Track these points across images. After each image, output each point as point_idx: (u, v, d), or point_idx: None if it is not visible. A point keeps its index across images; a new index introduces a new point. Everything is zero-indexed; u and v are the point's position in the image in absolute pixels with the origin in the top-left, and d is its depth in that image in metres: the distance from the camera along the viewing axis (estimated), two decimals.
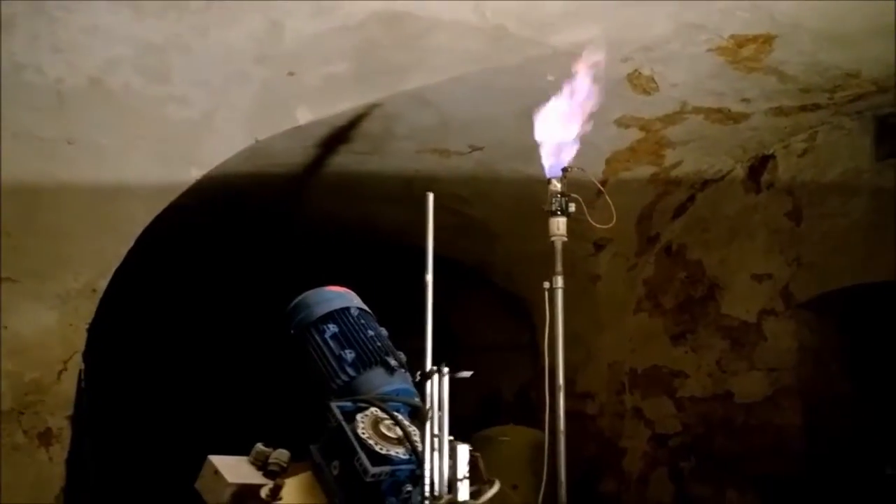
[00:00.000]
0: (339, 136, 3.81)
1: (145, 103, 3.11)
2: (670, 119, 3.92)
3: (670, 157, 4.32)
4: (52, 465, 3.16)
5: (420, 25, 3.01)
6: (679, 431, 4.83)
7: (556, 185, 2.27)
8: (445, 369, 1.56)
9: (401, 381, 1.65)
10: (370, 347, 1.64)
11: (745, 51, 3.25)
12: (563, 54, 3.23)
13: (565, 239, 2.27)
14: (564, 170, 2.29)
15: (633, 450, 4.99)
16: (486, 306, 6.09)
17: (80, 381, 3.29)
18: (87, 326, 3.33)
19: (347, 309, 1.71)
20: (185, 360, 6.41)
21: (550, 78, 2.90)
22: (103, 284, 3.36)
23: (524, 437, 3.82)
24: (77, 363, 3.27)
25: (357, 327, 1.67)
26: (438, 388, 1.54)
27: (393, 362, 1.64)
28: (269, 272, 5.70)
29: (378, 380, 1.57)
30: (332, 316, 1.65)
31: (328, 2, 2.86)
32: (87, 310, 3.33)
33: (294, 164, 4.14)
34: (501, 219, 4.98)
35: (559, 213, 2.26)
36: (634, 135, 4.03)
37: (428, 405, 1.55)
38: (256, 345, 6.57)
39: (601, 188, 2.30)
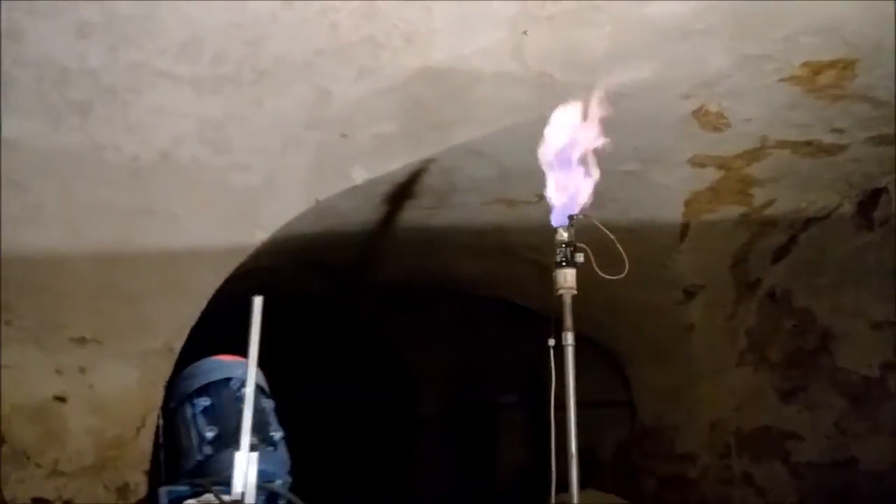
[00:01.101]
0: (402, 192, 3.84)
1: (211, 173, 3.27)
2: (752, 155, 3.65)
3: (760, 195, 4.01)
4: None
5: (462, 80, 3.00)
6: (796, 502, 4.35)
7: (563, 235, 2.12)
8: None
9: (262, 462, 1.50)
10: (231, 425, 1.52)
11: (823, 78, 2.99)
12: (616, 96, 3.12)
13: (574, 292, 2.11)
14: (571, 217, 2.14)
15: None
16: (580, 360, 5.84)
17: (157, 436, 3.41)
18: (164, 384, 3.47)
19: (228, 381, 1.62)
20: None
21: None
22: (179, 344, 3.51)
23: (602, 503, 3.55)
24: (154, 420, 3.40)
25: (229, 402, 1.58)
26: None
27: (253, 442, 1.49)
28: (346, 330, 5.78)
29: (231, 461, 1.44)
30: (208, 389, 1.58)
31: (370, 65, 2.92)
32: (165, 368, 3.48)
33: (365, 222, 4.21)
34: (582, 267, 4.79)
35: (564, 264, 2.10)
36: (713, 174, 3.78)
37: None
38: (334, 404, 6.68)
39: (611, 236, 2.12)
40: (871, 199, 4.12)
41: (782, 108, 3.22)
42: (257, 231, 3.50)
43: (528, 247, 4.47)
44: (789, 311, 4.51)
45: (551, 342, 2.03)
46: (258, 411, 1.58)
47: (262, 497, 1.50)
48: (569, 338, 2.04)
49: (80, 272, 3.24)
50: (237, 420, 1.51)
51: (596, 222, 2.13)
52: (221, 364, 1.61)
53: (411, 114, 3.18)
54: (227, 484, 1.46)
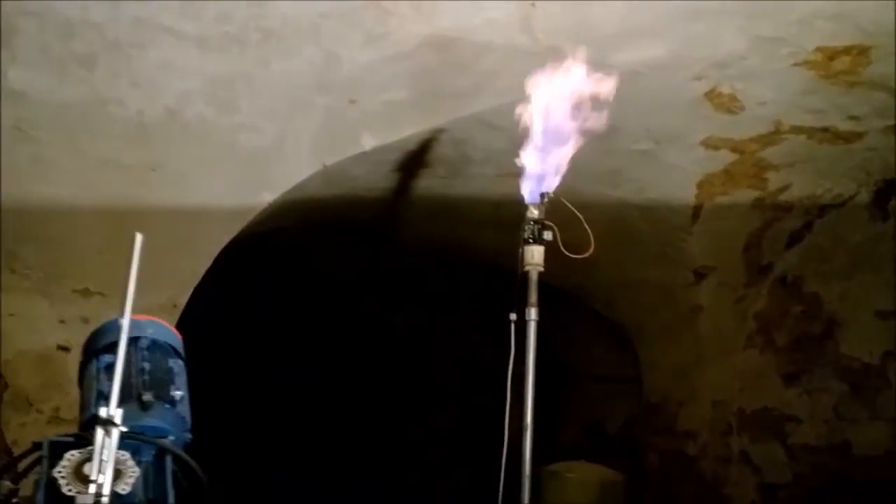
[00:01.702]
0: (414, 160, 3.83)
1: (218, 132, 3.28)
2: (766, 140, 3.58)
3: (775, 180, 3.94)
4: None
5: (472, 50, 2.97)
6: (789, 482, 4.36)
7: (534, 212, 2.11)
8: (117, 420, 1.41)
9: (156, 419, 1.55)
10: (131, 381, 1.56)
11: (837, 64, 2.91)
12: (627, 75, 3.07)
13: (541, 269, 2.10)
14: (542, 196, 2.13)
15: (738, 498, 4.56)
16: (591, 335, 5.85)
17: None
18: None
19: (136, 339, 1.65)
20: (268, 380, 6.67)
21: None
22: (183, 300, 3.58)
23: (594, 475, 3.60)
24: None
25: (133, 360, 1.60)
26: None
27: (147, 398, 1.53)
28: (366, 293, 5.83)
29: (127, 414, 1.45)
30: (115, 346, 1.61)
31: (377, 30, 2.89)
32: (169, 323, 3.54)
33: (378, 188, 4.22)
34: (596, 244, 4.76)
35: (532, 240, 2.09)
36: (727, 157, 3.72)
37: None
38: (342, 365, 6.77)
39: (579, 215, 2.10)
40: (887, 189, 4.03)
41: (797, 93, 3.15)
42: (265, 192, 3.52)
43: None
44: (799, 296, 4.46)
45: (513, 317, 2.03)
46: (161, 369, 1.61)
47: (151, 451, 1.53)
48: (532, 313, 2.04)
49: (87, 225, 3.30)
50: (136, 377, 1.56)
51: (564, 201, 2.12)
52: (132, 322, 1.61)
53: (420, 82, 3.16)
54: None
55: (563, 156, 2.20)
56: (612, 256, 4.93)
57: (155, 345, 1.69)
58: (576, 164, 3.91)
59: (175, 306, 3.57)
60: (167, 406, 1.59)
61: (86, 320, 3.39)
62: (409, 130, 3.40)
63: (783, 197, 4.09)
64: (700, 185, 3.93)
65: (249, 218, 3.59)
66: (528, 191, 2.16)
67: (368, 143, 3.43)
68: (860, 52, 2.80)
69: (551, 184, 2.17)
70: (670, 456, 4.92)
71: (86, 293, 3.41)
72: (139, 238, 1.39)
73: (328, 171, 3.63)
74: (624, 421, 5.64)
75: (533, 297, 2.05)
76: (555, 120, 2.19)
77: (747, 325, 4.70)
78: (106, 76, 3.00)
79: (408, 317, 6.61)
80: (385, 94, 3.22)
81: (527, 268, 2.09)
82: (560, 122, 2.19)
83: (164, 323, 1.79)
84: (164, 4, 2.75)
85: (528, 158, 2.21)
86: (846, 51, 2.80)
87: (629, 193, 4.15)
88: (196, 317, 3.73)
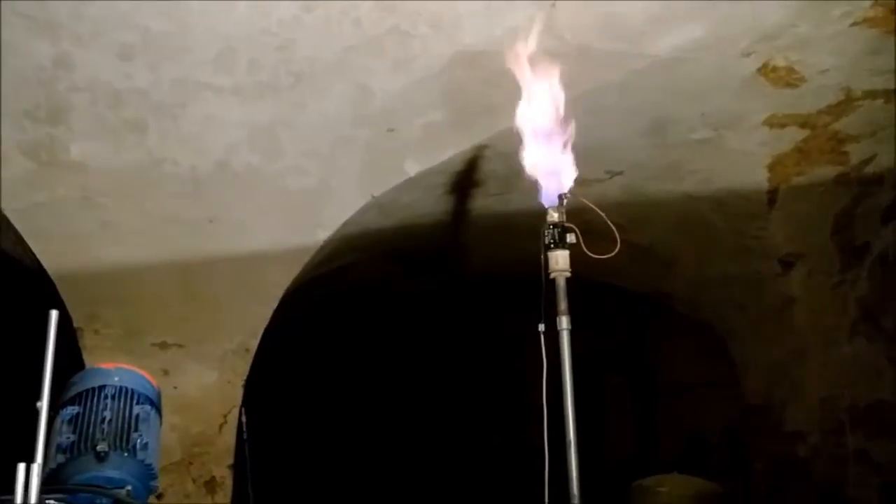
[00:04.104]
0: (463, 180, 3.79)
1: (266, 178, 3.37)
2: (838, 110, 3.31)
3: (857, 152, 3.63)
4: None
5: (499, 61, 2.88)
6: None
7: (553, 216, 1.99)
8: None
9: (113, 469, 1.48)
10: (89, 432, 1.52)
11: None
12: (667, 61, 2.92)
13: (568, 274, 1.96)
14: (561, 197, 2.00)
15: (860, 501, 4.17)
16: (679, 340, 5.57)
17: (240, 433, 3.58)
18: (242, 383, 3.63)
19: (102, 388, 1.60)
20: (338, 405, 6.69)
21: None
22: (254, 344, 3.66)
23: (688, 488, 3.38)
24: (235, 417, 3.57)
25: (95, 409, 1.56)
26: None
27: (102, 448, 1.47)
28: (431, 320, 5.78)
29: (82, 466, 1.43)
30: (81, 396, 1.55)
31: (402, 55, 2.88)
32: (242, 368, 3.64)
33: (434, 214, 4.19)
34: (669, 243, 4.55)
35: (553, 245, 1.96)
36: (796, 134, 3.46)
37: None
38: (413, 395, 6.71)
39: (600, 213, 1.96)
40: None
41: (862, 55, 2.89)
42: (318, 230, 3.57)
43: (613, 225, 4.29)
44: None
45: (541, 327, 1.91)
46: (124, 417, 1.57)
47: (108, 503, 1.47)
48: (564, 322, 1.90)
49: (157, 281, 3.44)
50: (96, 426, 1.52)
51: (584, 200, 1.99)
52: (98, 372, 1.61)
53: (454, 101, 3.12)
54: (69, 492, 1.45)
55: (569, 155, 2.08)
56: (688, 254, 4.69)
57: (121, 392, 1.64)
58: (634, 161, 3.82)
59: (247, 350, 3.66)
60: (126, 455, 1.54)
61: (166, 372, 3.53)
62: (451, 151, 3.36)
63: (869, 169, 3.76)
64: (771, 168, 3.67)
65: (308, 257, 3.64)
66: (545, 193, 2.05)
67: (413, 168, 3.42)
68: None
69: (568, 184, 2.04)
70: (779, 460, 4.58)
71: (163, 346, 3.55)
72: (54, 314, 1.37)
73: (380, 202, 3.64)
74: (725, 427, 5.31)
75: (563, 304, 1.93)
76: (551, 118, 2.08)
77: (849, 313, 4.33)
78: (156, 138, 3.13)
79: (491, 331, 6.53)
80: (421, 118, 3.20)
81: (553, 275, 1.97)
82: (556, 119, 2.07)
83: (135, 369, 1.74)
84: (198, 61, 2.85)
85: (538, 160, 2.10)
86: None
87: (695, 186, 3.94)
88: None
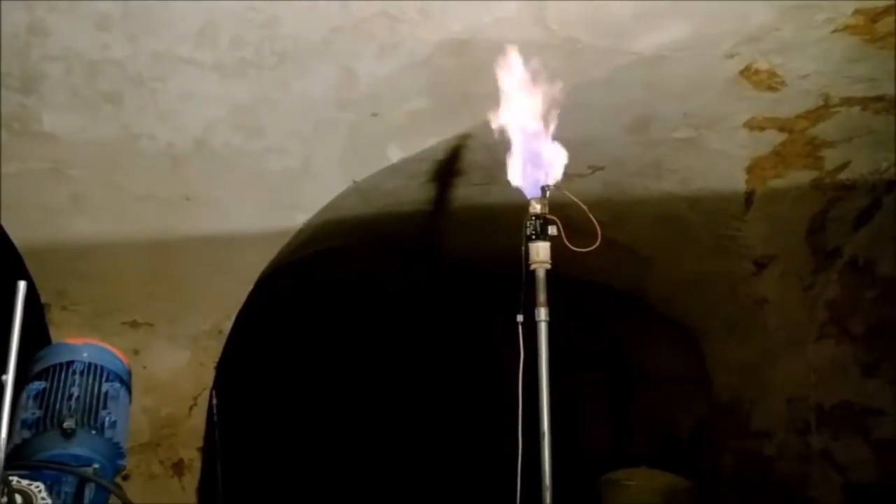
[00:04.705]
0: (446, 169, 3.77)
1: (246, 158, 3.31)
2: (816, 115, 3.35)
3: (832, 157, 3.69)
4: (185, 493, 3.44)
5: (486, 51, 2.87)
6: (877, 481, 4.05)
7: (535, 207, 1.99)
8: None
9: (80, 447, 1.45)
10: (56, 408, 1.48)
11: (882, 26, 2.69)
12: (652, 59, 2.93)
13: (548, 266, 1.97)
14: (544, 189, 2.01)
15: (822, 499, 4.26)
16: (654, 336, 5.62)
17: (211, 415, 3.54)
18: (214, 365, 3.59)
19: (70, 364, 1.57)
20: (311, 392, 6.67)
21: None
22: (228, 326, 3.62)
23: (655, 482, 3.41)
24: (205, 399, 3.53)
25: (63, 385, 1.52)
26: None
27: (69, 425, 1.44)
28: (408, 307, 5.77)
29: (48, 442, 1.40)
30: (48, 372, 1.51)
31: (389, 40, 2.85)
32: (215, 349, 3.60)
33: (415, 202, 4.17)
34: (647, 240, 4.59)
35: (534, 236, 1.97)
36: (775, 137, 3.50)
37: None
38: (386, 382, 6.71)
39: (582, 205, 1.97)
40: None
41: (842, 62, 2.93)
42: (298, 214, 3.53)
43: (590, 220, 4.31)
44: (872, 280, 4.16)
45: (520, 318, 1.91)
46: (92, 394, 1.54)
47: (73, 481, 1.44)
48: (542, 314, 1.91)
49: (130, 258, 3.38)
50: (63, 402, 1.49)
51: (567, 193, 1.99)
52: (67, 347, 1.57)
53: (440, 89, 3.10)
54: (33, 468, 1.42)
55: (555, 146, 2.08)
56: (666, 252, 4.73)
57: (90, 368, 1.60)
58: (616, 157, 3.83)
59: (220, 332, 3.61)
60: (93, 432, 1.51)
61: (136, 351, 3.47)
62: (434, 139, 3.35)
63: (843, 175, 3.82)
64: (749, 170, 3.72)
65: (286, 240, 3.60)
66: (527, 185, 2.05)
67: (395, 155, 3.39)
68: None
69: (555, 175, 2.04)
70: (745, 458, 4.65)
71: (134, 325, 3.50)
72: (22, 285, 1.32)
73: (361, 188, 3.61)
74: (695, 424, 5.39)
75: (542, 296, 1.93)
76: (532, 113, 2.08)
77: (818, 315, 4.41)
78: (133, 111, 3.06)
79: (466, 325, 6.54)
80: (406, 105, 3.18)
81: (533, 266, 1.97)
82: (537, 113, 2.07)
83: (105, 345, 1.69)
84: (179, 35, 2.79)
85: (521, 153, 2.10)
86: (888, 10, 2.58)
87: (674, 185, 3.97)
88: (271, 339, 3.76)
